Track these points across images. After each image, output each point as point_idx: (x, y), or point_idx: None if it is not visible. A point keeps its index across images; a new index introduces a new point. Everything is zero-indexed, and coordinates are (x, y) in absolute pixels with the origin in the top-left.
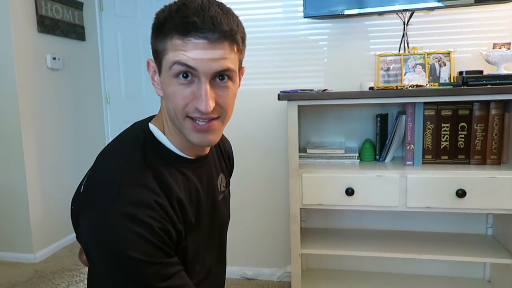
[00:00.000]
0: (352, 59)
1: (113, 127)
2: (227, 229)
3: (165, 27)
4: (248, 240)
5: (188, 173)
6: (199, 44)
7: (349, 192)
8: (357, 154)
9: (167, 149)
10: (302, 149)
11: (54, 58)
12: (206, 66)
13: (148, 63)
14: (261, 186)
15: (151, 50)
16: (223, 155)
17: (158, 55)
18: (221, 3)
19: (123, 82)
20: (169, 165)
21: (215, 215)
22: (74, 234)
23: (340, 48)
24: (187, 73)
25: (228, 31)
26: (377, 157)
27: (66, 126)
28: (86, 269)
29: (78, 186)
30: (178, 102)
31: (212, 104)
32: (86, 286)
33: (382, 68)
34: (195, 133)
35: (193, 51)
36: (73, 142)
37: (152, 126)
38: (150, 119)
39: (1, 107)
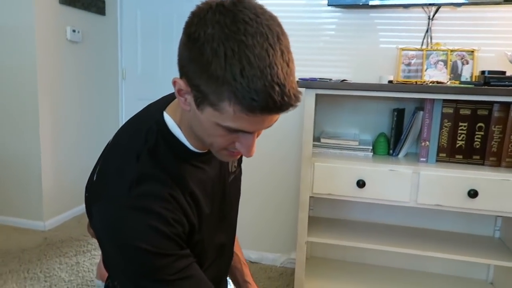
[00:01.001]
0: (373, 51)
1: (128, 103)
2: (238, 206)
3: (222, 83)
4: (255, 224)
5: (202, 165)
6: (265, 118)
7: (360, 184)
8: (371, 147)
9: (181, 143)
10: (315, 138)
11: (74, 31)
12: (262, 128)
13: (175, 82)
14: (271, 172)
15: (178, 55)
16: None
17: (198, 91)
18: (279, 41)
19: (139, 59)
20: (182, 159)
21: (225, 196)
22: (83, 205)
23: (362, 39)
24: None
25: (295, 104)
26: (391, 151)
27: (81, 98)
28: (94, 240)
29: (91, 173)
30: (220, 143)
31: (254, 150)
32: (92, 256)
33: (403, 62)
34: (227, 157)
35: (257, 123)
36: (87, 115)
37: (167, 117)
38: (164, 103)
39: (20, 76)
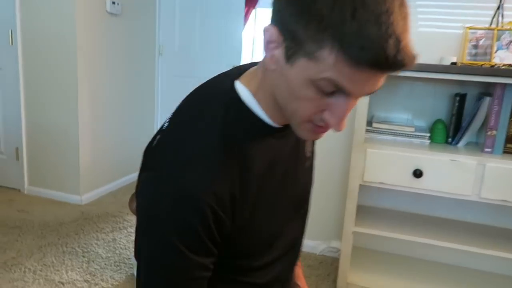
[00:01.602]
0: (434, 29)
1: (163, 79)
2: (311, 196)
3: (326, 26)
4: None
5: (275, 143)
6: (371, 76)
7: (417, 174)
8: (429, 134)
9: (254, 115)
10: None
11: (113, 3)
12: (363, 91)
13: (266, 30)
14: (316, 156)
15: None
16: None
17: (293, 38)
18: None
19: (177, 35)
20: (253, 135)
21: (302, 183)
22: (119, 181)
23: (424, 16)
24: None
25: (409, 65)
26: (449, 139)
27: (119, 72)
28: (130, 217)
29: (152, 138)
30: (307, 110)
31: (345, 123)
32: (129, 233)
33: (470, 43)
34: (309, 133)
35: (360, 81)
36: (124, 90)
37: (240, 86)
38: (236, 72)
39: (59, 46)
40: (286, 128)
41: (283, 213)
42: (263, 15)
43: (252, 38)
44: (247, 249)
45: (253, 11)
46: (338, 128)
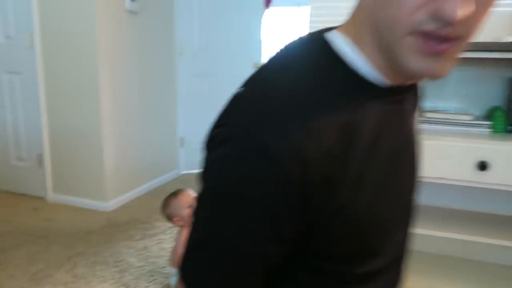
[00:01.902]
0: None
1: (184, 79)
2: (417, 189)
3: None
4: None
5: (381, 110)
6: None
7: (482, 166)
8: (490, 123)
9: (354, 71)
10: None
11: (133, 0)
12: None
13: None
14: None
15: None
16: (416, 88)
17: None
18: None
19: (196, 34)
20: (353, 95)
21: (410, 172)
22: (144, 186)
23: None
24: None
25: None
26: (510, 127)
27: (140, 73)
28: (159, 223)
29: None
30: (405, 3)
31: (468, 9)
32: (160, 240)
33: None
34: (418, 57)
35: None
36: (146, 91)
37: (335, 35)
38: (330, 28)
39: (79, 48)
40: (396, 91)
41: (390, 207)
42: (278, 13)
43: (268, 36)
44: (346, 247)
45: (267, 10)
46: (453, 12)
